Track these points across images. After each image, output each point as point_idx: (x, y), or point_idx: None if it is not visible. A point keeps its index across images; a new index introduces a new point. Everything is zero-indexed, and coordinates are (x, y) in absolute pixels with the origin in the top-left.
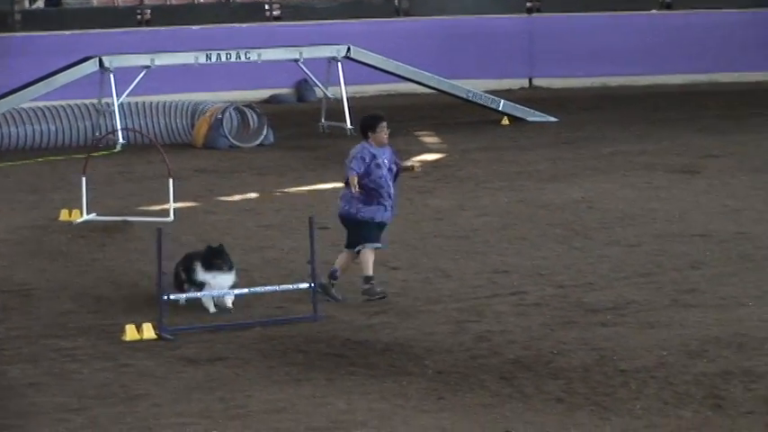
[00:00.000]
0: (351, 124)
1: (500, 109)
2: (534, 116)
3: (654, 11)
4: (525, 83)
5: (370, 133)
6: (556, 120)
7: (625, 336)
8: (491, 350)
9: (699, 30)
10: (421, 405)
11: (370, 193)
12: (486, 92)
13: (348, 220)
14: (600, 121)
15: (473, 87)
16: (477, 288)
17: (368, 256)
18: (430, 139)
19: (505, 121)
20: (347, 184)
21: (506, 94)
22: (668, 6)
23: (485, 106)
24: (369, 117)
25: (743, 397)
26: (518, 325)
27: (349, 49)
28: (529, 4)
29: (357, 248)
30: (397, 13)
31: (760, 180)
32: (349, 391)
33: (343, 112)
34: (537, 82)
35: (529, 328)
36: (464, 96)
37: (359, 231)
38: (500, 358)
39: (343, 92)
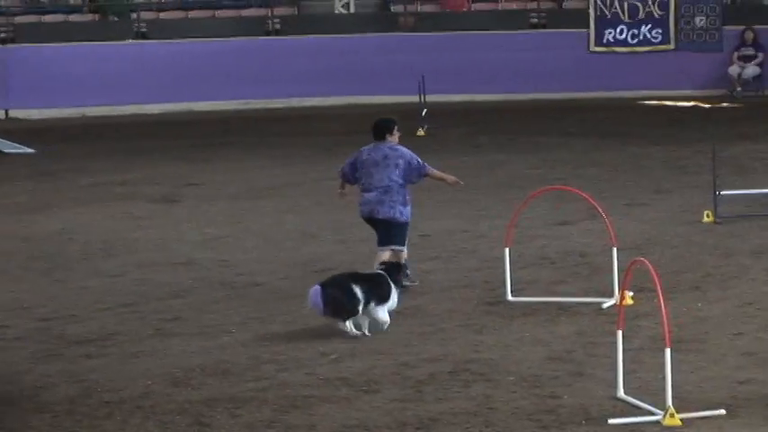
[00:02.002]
0: None
1: None
2: (11, 148)
3: (129, 40)
4: (1, 114)
5: (388, 135)
6: (33, 151)
7: (110, 367)
8: None
9: (175, 59)
10: None
11: (406, 193)
12: None
13: (391, 225)
14: (79, 151)
15: None
16: None
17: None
18: None
19: None
20: (381, 189)
21: None
22: (144, 36)
23: None
24: (387, 120)
25: (228, 423)
26: (1, 360)
27: None
28: (3, 35)
29: (402, 248)
30: None
31: (237, 208)
32: None
33: None
34: (13, 113)
35: (12, 362)
36: None
37: (401, 233)
38: None
39: None
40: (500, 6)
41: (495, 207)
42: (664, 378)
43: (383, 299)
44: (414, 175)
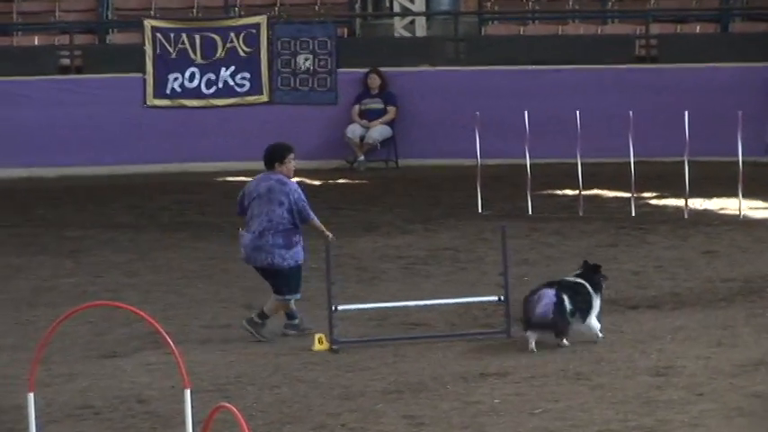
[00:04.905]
0: None
1: None
2: None
3: None
4: None
5: (278, 164)
6: None
7: None
8: None
9: None
10: None
11: (294, 233)
12: None
13: (272, 273)
14: None
15: None
16: None
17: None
18: None
19: None
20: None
21: None
22: None
23: None
24: (280, 146)
25: None
26: None
27: None
28: None
29: (289, 298)
30: None
31: None
32: None
33: None
34: None
35: None
36: None
37: (288, 281)
38: None
39: None
40: (15, 42)
41: (12, 334)
42: None
43: (586, 310)
44: (296, 218)
